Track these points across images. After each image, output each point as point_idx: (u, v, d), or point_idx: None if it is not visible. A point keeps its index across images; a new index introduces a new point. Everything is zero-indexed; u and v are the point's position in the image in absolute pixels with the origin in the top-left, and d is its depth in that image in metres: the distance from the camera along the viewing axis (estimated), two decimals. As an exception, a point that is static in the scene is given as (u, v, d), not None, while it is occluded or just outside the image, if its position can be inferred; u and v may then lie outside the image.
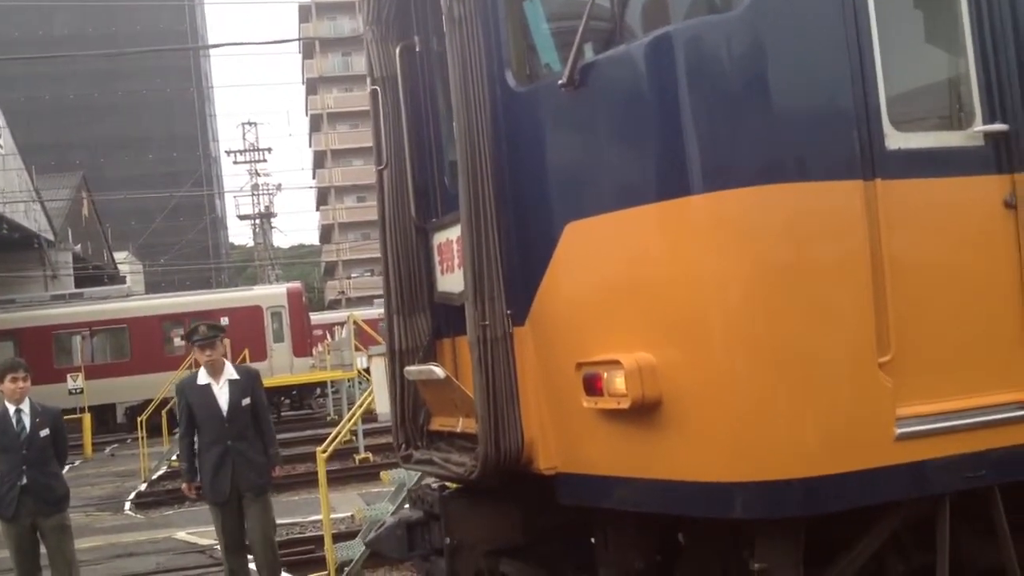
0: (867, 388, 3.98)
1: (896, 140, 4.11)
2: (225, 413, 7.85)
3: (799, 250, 3.94)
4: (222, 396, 7.89)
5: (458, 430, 5.16)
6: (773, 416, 3.91)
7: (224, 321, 31.71)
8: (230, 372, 8.03)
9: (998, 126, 4.31)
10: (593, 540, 5.05)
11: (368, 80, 5.56)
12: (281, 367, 32.68)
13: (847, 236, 3.99)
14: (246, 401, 7.93)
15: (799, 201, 3.94)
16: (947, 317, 4.20)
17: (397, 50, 5.43)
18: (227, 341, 25.29)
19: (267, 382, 29.79)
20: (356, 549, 9.23)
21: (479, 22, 4.70)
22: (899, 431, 3.99)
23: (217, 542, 8.48)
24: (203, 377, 8.00)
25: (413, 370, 5.29)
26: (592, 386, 4.24)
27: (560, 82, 4.32)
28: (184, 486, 8.40)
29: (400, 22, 5.54)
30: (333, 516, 12.44)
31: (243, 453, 7.80)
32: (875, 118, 4.07)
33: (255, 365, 28.95)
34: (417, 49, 5.55)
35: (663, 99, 4.09)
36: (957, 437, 4.09)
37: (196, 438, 8.04)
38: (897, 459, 3.98)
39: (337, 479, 17.31)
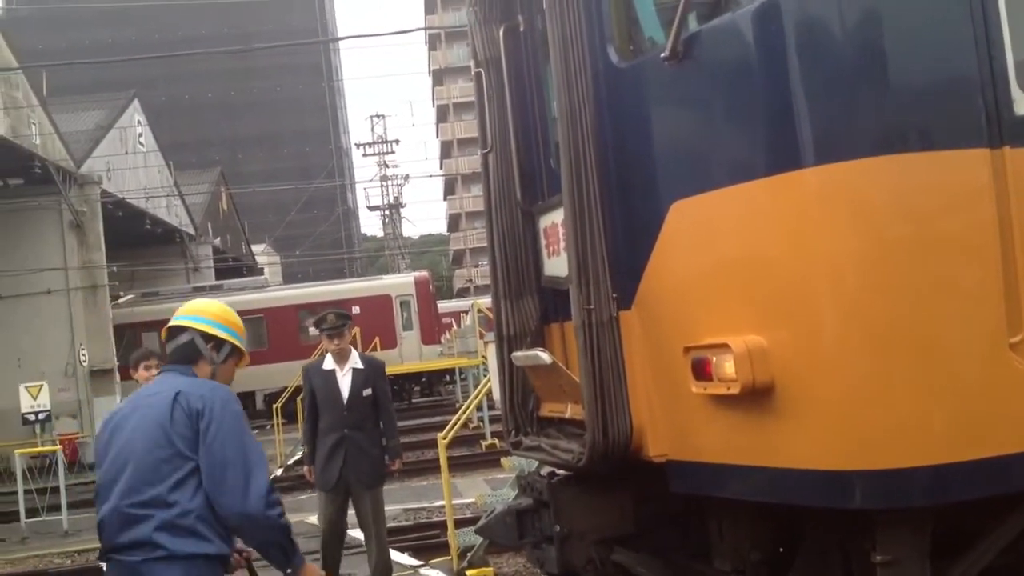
0: (997, 370, 3.72)
1: (1026, 105, 3.82)
2: (345, 400, 7.90)
3: (919, 223, 3.71)
4: (344, 383, 7.94)
5: (567, 416, 5.07)
6: (893, 401, 3.69)
7: (355, 310, 32.47)
8: (355, 361, 8.07)
9: None
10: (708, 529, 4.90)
11: (472, 63, 5.51)
12: (410, 355, 33.21)
13: (972, 207, 3.74)
14: (367, 391, 7.95)
15: (918, 171, 3.70)
16: (1087, 293, 3.88)
17: (501, 31, 5.36)
18: (356, 329, 25.85)
19: (397, 369, 30.42)
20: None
21: (580, -3, 4.58)
22: (1034, 416, 3.71)
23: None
24: (329, 363, 8.08)
25: (520, 355, 5.23)
26: (701, 371, 4.08)
27: (663, 55, 4.17)
28: (306, 469, 8.50)
29: (503, 3, 5.46)
30: (459, 502, 12.55)
31: (358, 443, 7.80)
32: (1002, 82, 3.78)
33: (385, 353, 29.59)
34: (521, 29, 5.47)
35: (771, 68, 3.90)
36: (1101, 421, 3.78)
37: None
38: None
39: (464, 465, 17.48)
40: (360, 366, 8.06)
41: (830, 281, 3.79)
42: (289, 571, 3.98)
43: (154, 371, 8.27)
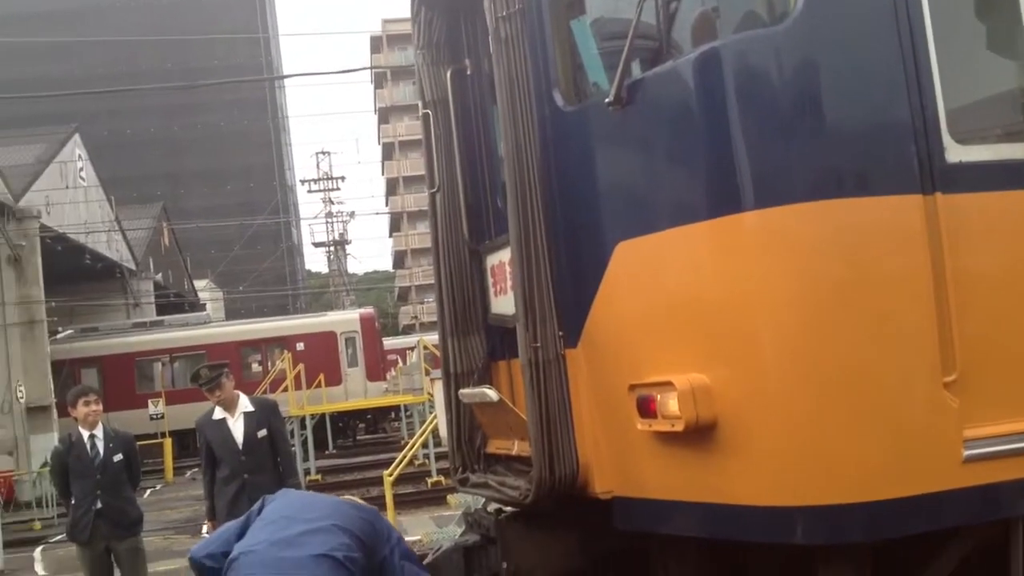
0: (931, 409, 3.83)
1: (956, 153, 3.96)
2: (240, 446, 7.83)
3: (855, 266, 3.82)
4: (237, 429, 7.88)
5: (514, 453, 5.11)
6: (832, 438, 3.79)
7: (300, 347, 32.22)
8: (245, 405, 8.01)
9: (1065, 136, 4.14)
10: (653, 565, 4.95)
11: (420, 104, 5.57)
12: (355, 391, 32.99)
13: (906, 251, 3.86)
14: (262, 432, 7.88)
15: (854, 216, 3.82)
16: (1016, 334, 4.02)
17: (448, 73, 5.44)
18: (302, 365, 25.46)
19: (342, 406, 30.12)
20: (422, 573, 9.19)
21: (526, 42, 4.67)
22: (967, 453, 3.83)
23: None
24: (218, 413, 8.02)
25: (467, 393, 5.26)
26: (646, 408, 4.15)
27: (607, 100, 4.27)
28: (207, 525, 8.34)
29: (451, 45, 5.55)
30: (405, 539, 12.45)
31: (260, 487, 7.35)
32: (933, 131, 3.93)
33: (330, 390, 29.27)
34: (468, 72, 5.55)
35: (712, 115, 4.01)
36: (1030, 459, 3.91)
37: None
38: (965, 482, 3.82)
39: (410, 502, 17.40)
40: (251, 409, 7.99)
41: (770, 321, 3.89)
42: None
43: (94, 406, 8.18)
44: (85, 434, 8.16)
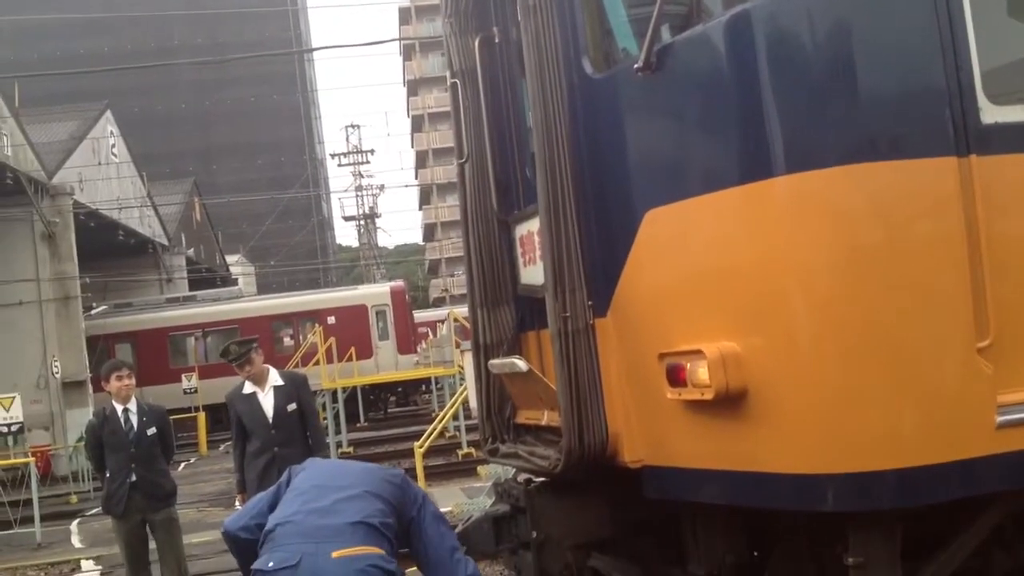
0: (964, 374, 3.78)
1: (992, 114, 3.89)
2: (270, 419, 7.88)
3: (888, 230, 3.77)
4: (267, 403, 7.93)
5: (543, 423, 5.11)
6: (863, 405, 3.75)
7: (331, 320, 32.38)
8: (275, 379, 8.06)
9: (1103, 96, 4.04)
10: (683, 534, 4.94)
11: (448, 74, 5.54)
12: (386, 364, 33.13)
13: (940, 215, 3.80)
14: (292, 406, 7.93)
15: (887, 180, 3.77)
16: (1053, 299, 3.96)
17: (476, 42, 5.40)
18: (334, 338, 25.49)
19: (373, 379, 30.19)
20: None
21: (554, 9, 4.63)
22: (1000, 419, 3.78)
23: None
24: (248, 387, 8.07)
25: (496, 363, 5.26)
26: (675, 377, 4.13)
27: (636, 66, 4.22)
28: (238, 497, 8.35)
29: (479, 14, 5.51)
30: (434, 511, 12.54)
31: (290, 459, 7.16)
32: (968, 92, 3.86)
33: (361, 363, 29.37)
34: (496, 40, 5.51)
35: (743, 79, 3.96)
36: (1065, 425, 3.86)
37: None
38: (998, 448, 3.78)
39: (440, 474, 17.48)
40: (281, 383, 8.03)
41: (802, 288, 3.85)
42: None
43: (127, 380, 8.26)
44: (119, 408, 8.22)
